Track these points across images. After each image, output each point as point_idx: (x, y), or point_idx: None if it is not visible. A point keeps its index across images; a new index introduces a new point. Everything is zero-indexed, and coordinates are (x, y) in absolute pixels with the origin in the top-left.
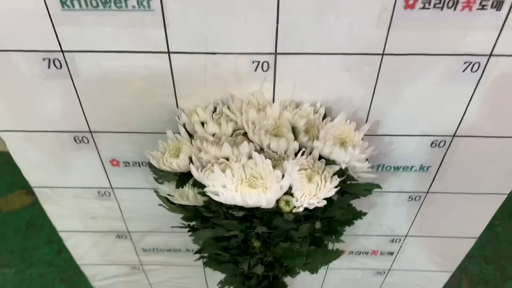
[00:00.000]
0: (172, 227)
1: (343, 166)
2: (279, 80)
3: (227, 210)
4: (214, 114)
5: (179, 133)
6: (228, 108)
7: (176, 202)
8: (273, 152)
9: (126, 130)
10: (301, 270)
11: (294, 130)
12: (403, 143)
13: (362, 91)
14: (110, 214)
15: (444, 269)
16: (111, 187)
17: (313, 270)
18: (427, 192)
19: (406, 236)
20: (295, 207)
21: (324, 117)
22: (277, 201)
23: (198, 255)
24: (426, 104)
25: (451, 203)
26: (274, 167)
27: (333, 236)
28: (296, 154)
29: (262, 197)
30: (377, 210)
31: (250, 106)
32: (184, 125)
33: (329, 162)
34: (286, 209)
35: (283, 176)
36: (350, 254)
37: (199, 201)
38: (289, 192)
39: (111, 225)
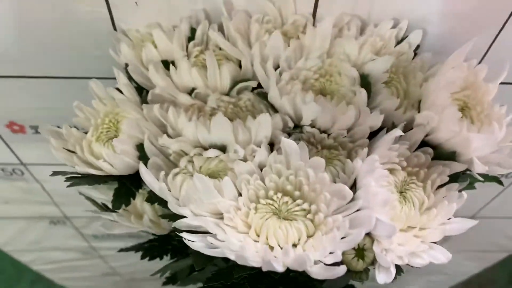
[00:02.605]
0: (120, 250)
1: (483, 168)
2: None
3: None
4: (192, 44)
5: (117, 88)
6: (221, 31)
7: (117, 227)
8: (321, 132)
9: (24, 74)
10: None
11: (364, 81)
12: None
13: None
14: (31, 198)
15: (505, 249)
16: (22, 163)
17: None
18: None
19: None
20: (373, 262)
21: (415, 53)
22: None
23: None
24: None
25: None
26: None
27: None
28: (371, 137)
29: (307, 254)
30: None
31: (267, 26)
32: (126, 68)
33: (443, 152)
34: (357, 266)
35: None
36: None
37: (163, 226)
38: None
39: (39, 211)
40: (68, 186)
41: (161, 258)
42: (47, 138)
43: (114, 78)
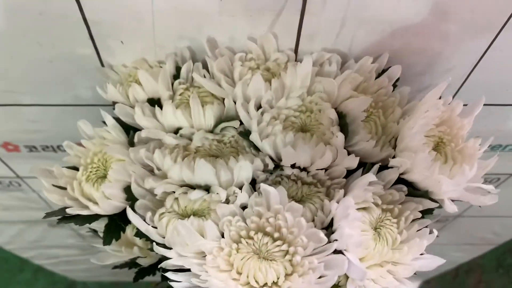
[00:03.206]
0: (114, 267)
1: (453, 208)
2: (312, 7)
3: None
4: (177, 82)
5: (105, 124)
6: (206, 69)
7: (109, 258)
8: (301, 170)
9: (18, 103)
10: None
11: (343, 121)
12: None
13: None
14: (29, 205)
15: (490, 243)
16: (18, 176)
17: None
18: None
19: (457, 217)
20: None
21: (394, 85)
22: None
23: None
24: None
25: None
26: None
27: None
28: (347, 176)
29: None
30: None
31: (250, 64)
32: (113, 107)
33: (416, 191)
34: None
35: (328, 236)
36: None
37: (152, 255)
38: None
39: (38, 215)
40: (58, 223)
41: (153, 274)
42: (42, 158)
43: (105, 105)
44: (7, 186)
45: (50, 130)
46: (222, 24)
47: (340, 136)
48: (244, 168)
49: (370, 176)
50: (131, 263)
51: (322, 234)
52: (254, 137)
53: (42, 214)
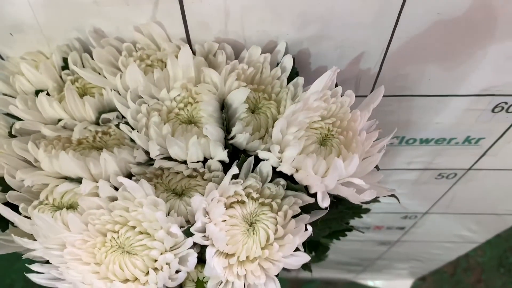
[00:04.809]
0: None
1: (324, 204)
2: None
3: None
4: (64, 73)
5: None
6: (91, 58)
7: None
8: (180, 163)
9: None
10: None
11: (226, 111)
12: (442, 107)
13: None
14: None
15: (471, 241)
16: None
17: None
18: (469, 169)
19: (425, 213)
20: None
21: (291, 78)
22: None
23: None
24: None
25: (500, 180)
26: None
27: (314, 254)
28: (226, 169)
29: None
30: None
31: (135, 54)
32: None
33: (294, 185)
34: None
35: (187, 229)
36: None
37: None
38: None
39: None
40: None
41: None
42: None
43: None
44: None
45: None
46: (104, 14)
47: (211, 129)
48: (108, 161)
49: (233, 169)
50: None
51: (177, 228)
52: (123, 128)
53: None
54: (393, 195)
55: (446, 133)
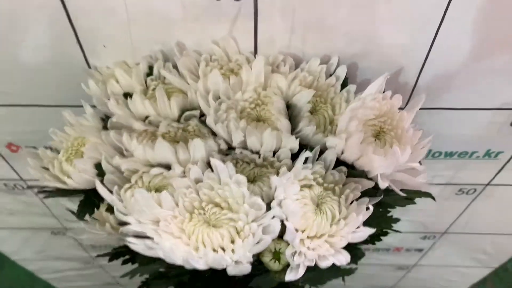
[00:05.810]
0: (98, 256)
1: (384, 184)
2: (263, 15)
3: None
4: (149, 79)
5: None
6: (175, 67)
7: (85, 234)
8: (252, 153)
9: (17, 103)
10: None
11: (291, 111)
12: (467, 120)
13: (413, 33)
14: (33, 210)
15: (486, 265)
16: (22, 179)
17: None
18: (488, 184)
19: (443, 233)
20: (288, 265)
21: (344, 84)
22: (259, 254)
23: None
24: None
25: None
26: (252, 187)
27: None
28: (294, 158)
29: (225, 256)
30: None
31: (212, 64)
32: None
33: (355, 171)
34: (274, 267)
35: (268, 205)
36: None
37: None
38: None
39: (40, 222)
40: (44, 197)
41: (133, 263)
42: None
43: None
44: (12, 189)
45: (46, 131)
46: (188, 29)
47: (284, 121)
48: (197, 147)
49: (306, 153)
50: (114, 254)
51: (261, 201)
52: (209, 120)
53: (45, 220)
54: (429, 194)
55: (469, 146)
